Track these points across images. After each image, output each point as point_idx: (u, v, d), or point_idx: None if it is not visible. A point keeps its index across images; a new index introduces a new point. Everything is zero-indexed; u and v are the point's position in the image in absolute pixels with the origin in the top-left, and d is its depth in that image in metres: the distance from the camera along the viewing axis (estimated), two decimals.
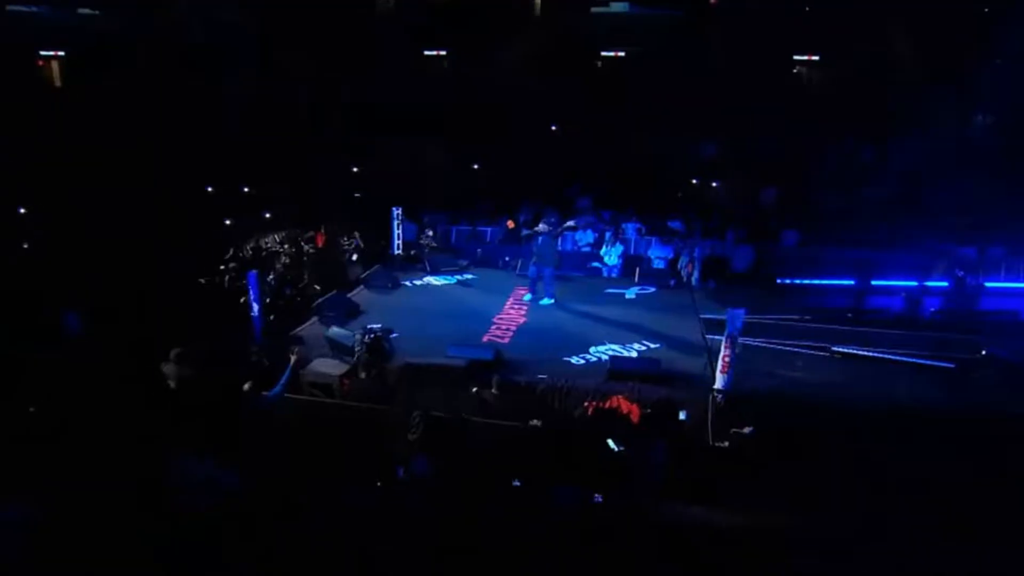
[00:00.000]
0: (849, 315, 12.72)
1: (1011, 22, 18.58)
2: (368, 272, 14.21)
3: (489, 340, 11.15)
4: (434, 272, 15.15)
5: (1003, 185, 17.46)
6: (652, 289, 14.52)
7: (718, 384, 9.04)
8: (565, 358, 10.34)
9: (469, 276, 15.18)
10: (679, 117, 22.62)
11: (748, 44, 22.16)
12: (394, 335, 9.95)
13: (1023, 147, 18.22)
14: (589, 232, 17.95)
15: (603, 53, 25.48)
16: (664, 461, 7.05)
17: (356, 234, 15.51)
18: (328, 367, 9.71)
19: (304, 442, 7.51)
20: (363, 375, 9.00)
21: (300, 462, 6.94)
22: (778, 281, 14.82)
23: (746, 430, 8.61)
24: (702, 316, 12.60)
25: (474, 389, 8.88)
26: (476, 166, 23.40)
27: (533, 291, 13.37)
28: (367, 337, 9.28)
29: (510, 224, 17.47)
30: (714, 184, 23.91)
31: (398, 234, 16.00)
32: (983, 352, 9.92)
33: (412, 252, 16.23)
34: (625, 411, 9.27)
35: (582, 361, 10.28)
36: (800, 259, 16.27)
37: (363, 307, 12.59)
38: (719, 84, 21.74)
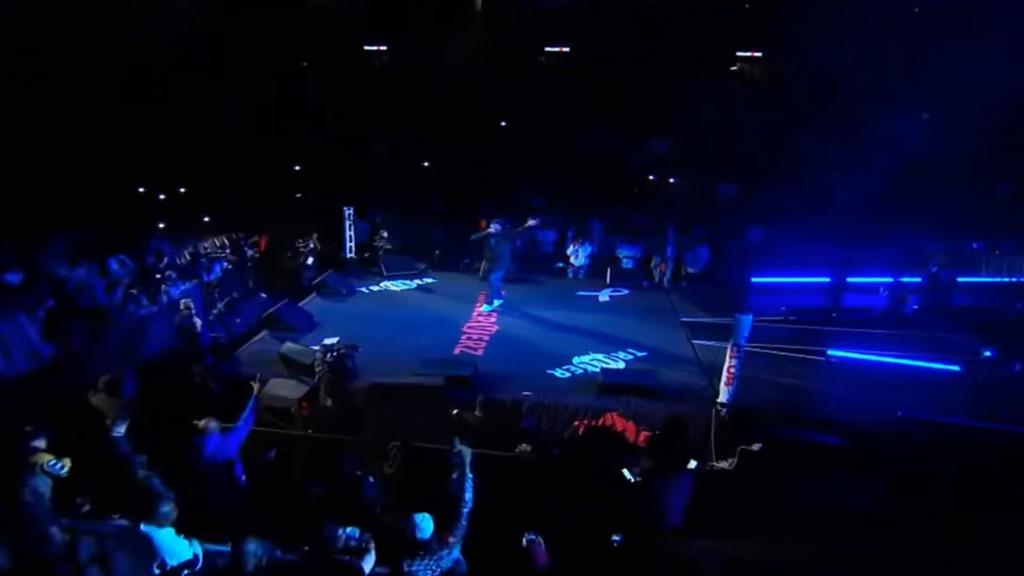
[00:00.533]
0: (833, 314, 12.22)
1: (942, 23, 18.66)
2: (320, 278, 12.99)
3: (462, 352, 10.16)
4: (391, 276, 14.04)
5: (966, 182, 17.50)
6: (625, 291, 13.74)
7: (722, 397, 8.25)
8: (548, 371, 9.43)
9: (429, 280, 14.12)
10: (626, 113, 22.37)
11: (690, 40, 21.72)
12: (358, 350, 8.82)
13: (981, 147, 18.21)
14: (550, 231, 17.18)
15: (547, 48, 24.98)
16: (690, 495, 6.21)
17: (314, 235, 14.20)
18: (285, 389, 8.57)
19: (262, 484, 6.39)
20: (328, 400, 7.90)
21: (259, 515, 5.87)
22: (753, 280, 14.22)
23: (755, 447, 7.89)
24: (683, 319, 11.93)
25: (455, 411, 7.88)
26: (427, 164, 22.51)
27: (498, 298, 12.30)
28: (329, 354, 8.16)
29: (483, 225, 16.51)
30: (671, 180, 23.66)
31: (350, 236, 14.82)
32: (987, 353, 9.43)
33: (366, 255, 15.09)
34: (620, 429, 8.47)
35: (567, 374, 9.39)
36: (769, 256, 15.86)
37: (317, 318, 11.42)
38: (664, 80, 21.19)
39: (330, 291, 12.76)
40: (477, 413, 7.68)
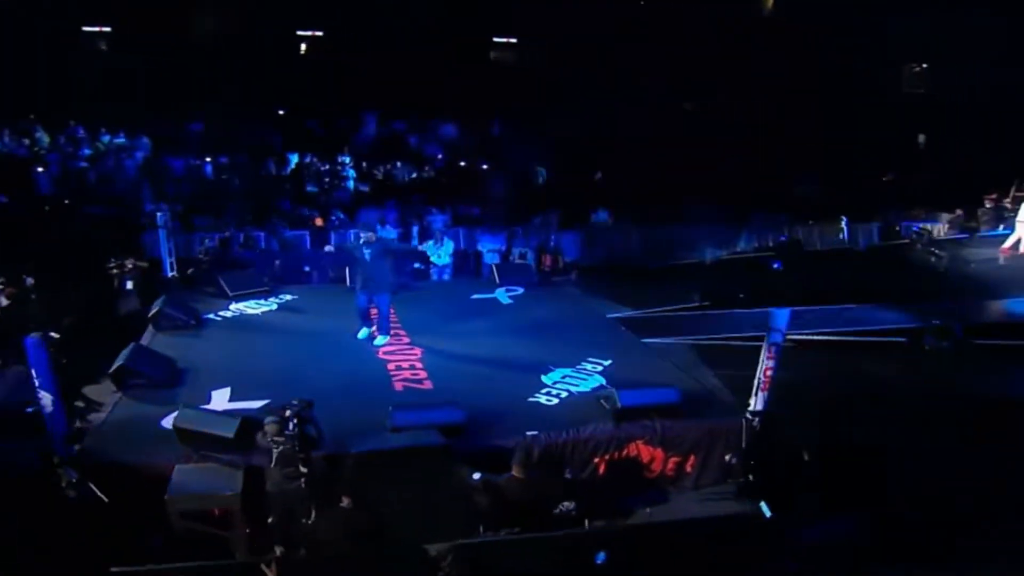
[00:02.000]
0: (741, 296, 11.91)
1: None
2: (157, 307, 9.70)
3: (405, 388, 8.01)
4: (239, 297, 11.02)
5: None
6: (520, 289, 12.23)
7: (756, 405, 7.23)
8: (530, 399, 7.71)
9: (289, 297, 11.31)
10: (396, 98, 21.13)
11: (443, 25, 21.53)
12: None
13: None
14: (395, 229, 15.22)
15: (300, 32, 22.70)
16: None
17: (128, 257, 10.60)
18: (207, 478, 5.90)
19: None
20: (344, 499, 5.40)
21: None
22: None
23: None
24: (609, 316, 10.86)
25: (475, 476, 5.91)
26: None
27: (370, 325, 9.49)
28: (290, 422, 5.63)
29: (318, 222, 13.89)
30: (485, 167, 22.92)
31: (169, 248, 11.51)
32: (934, 321, 9.55)
33: (190, 271, 11.85)
34: (646, 460, 7.12)
35: (554, 400, 7.75)
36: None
37: (177, 362, 8.41)
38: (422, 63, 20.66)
39: (172, 323, 9.60)
40: (516, 475, 5.78)
